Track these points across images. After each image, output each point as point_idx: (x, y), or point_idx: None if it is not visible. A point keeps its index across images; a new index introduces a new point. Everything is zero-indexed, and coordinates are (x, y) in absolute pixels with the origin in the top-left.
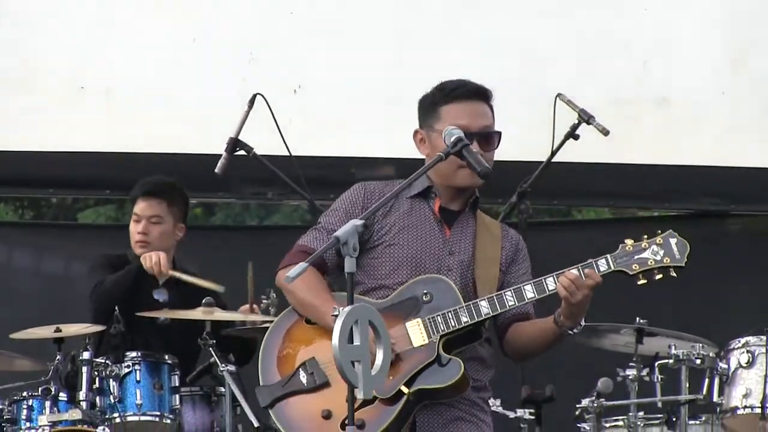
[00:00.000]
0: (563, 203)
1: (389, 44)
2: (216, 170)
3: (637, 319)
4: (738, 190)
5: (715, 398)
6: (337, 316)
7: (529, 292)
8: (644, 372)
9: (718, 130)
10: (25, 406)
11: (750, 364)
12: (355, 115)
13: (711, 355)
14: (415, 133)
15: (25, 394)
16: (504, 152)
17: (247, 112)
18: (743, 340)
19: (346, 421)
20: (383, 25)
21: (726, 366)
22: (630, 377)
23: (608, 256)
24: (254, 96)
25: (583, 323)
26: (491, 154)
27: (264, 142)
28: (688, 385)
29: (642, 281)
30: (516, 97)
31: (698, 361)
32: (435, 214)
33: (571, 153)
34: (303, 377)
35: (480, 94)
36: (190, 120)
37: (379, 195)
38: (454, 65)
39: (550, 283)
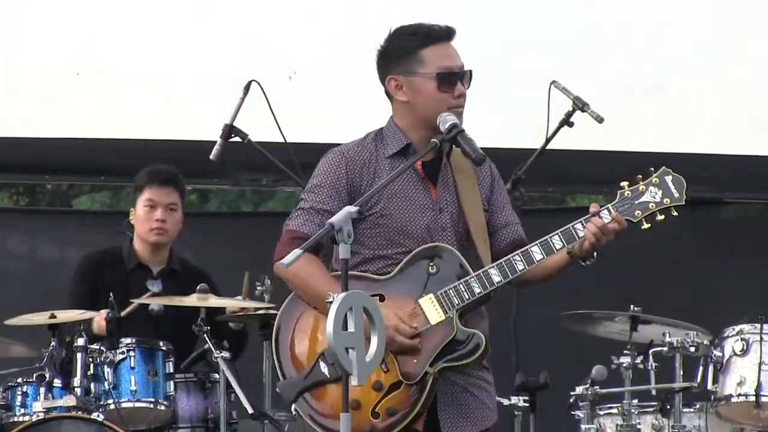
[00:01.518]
0: (557, 190)
1: (384, 29)
2: (211, 157)
3: (632, 306)
4: (731, 177)
5: (710, 386)
6: (331, 302)
7: (537, 254)
8: (638, 359)
9: (711, 118)
10: (19, 393)
11: (744, 351)
12: (350, 101)
13: (705, 342)
14: (390, 80)
15: (19, 380)
16: (498, 139)
17: (242, 99)
18: (737, 328)
19: (377, 408)
20: (378, 10)
21: (720, 354)
22: (624, 365)
23: (609, 206)
24: (249, 82)
25: (596, 255)
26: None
27: (259, 129)
28: (682, 373)
29: (646, 225)
30: (510, 83)
31: (692, 349)
32: (419, 172)
33: (565, 140)
34: (324, 368)
35: (452, 34)
36: (185, 106)
37: (360, 162)
38: None
39: (557, 242)
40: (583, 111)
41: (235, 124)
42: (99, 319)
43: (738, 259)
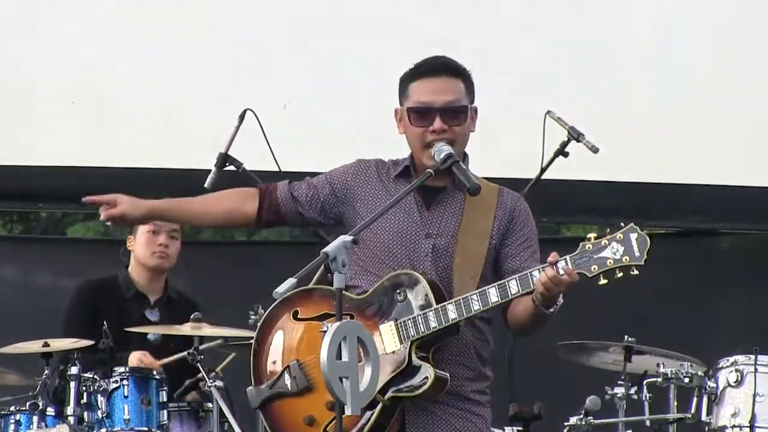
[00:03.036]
0: (552, 221)
1: (379, 60)
2: (205, 185)
3: (626, 337)
4: (727, 208)
5: (704, 417)
6: (325, 332)
7: (493, 296)
8: (632, 390)
9: (706, 149)
10: (12, 421)
11: (738, 383)
12: (344, 130)
13: (699, 373)
14: (395, 112)
15: (12, 408)
16: (493, 169)
17: (237, 128)
18: (732, 359)
19: (328, 428)
20: (373, 41)
21: (714, 385)
22: (618, 395)
23: (567, 257)
24: (244, 111)
25: (561, 302)
26: (462, 128)
27: (253, 158)
28: (676, 404)
29: (603, 281)
30: (505, 114)
31: (687, 380)
32: (414, 194)
33: (560, 170)
34: (287, 380)
35: (448, 69)
36: (180, 135)
37: (367, 175)
38: None
39: (513, 286)
40: (578, 141)
41: (229, 152)
42: (142, 357)
43: (733, 290)
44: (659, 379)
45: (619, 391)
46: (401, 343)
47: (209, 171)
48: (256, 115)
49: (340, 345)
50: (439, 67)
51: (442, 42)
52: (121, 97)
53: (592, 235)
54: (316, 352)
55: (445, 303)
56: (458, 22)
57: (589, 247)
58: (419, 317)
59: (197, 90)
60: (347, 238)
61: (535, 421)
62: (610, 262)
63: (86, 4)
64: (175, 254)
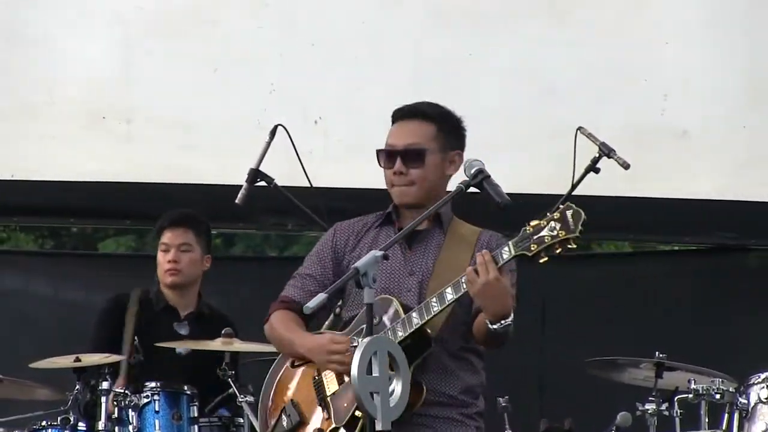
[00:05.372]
0: (583, 236)
1: (408, 75)
2: (236, 201)
3: (657, 353)
4: (757, 224)
5: None
6: (356, 347)
7: (449, 294)
8: (663, 406)
9: (737, 164)
10: None
11: None
12: (375, 146)
13: (731, 390)
14: None
15: (44, 423)
16: (525, 185)
17: (268, 143)
18: (763, 375)
19: None
20: (402, 56)
21: (746, 401)
22: (649, 411)
23: (509, 242)
24: (275, 127)
25: (506, 322)
26: (422, 171)
27: (284, 173)
28: (707, 420)
29: (543, 259)
30: (536, 130)
31: (718, 396)
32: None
33: (591, 186)
34: (284, 421)
35: (420, 114)
36: (211, 151)
37: (348, 231)
38: (472, 96)
39: (464, 282)
40: (609, 157)
41: (260, 168)
42: None
43: (763, 306)
44: (690, 396)
45: (650, 407)
46: None
47: (240, 186)
48: (287, 131)
49: (370, 360)
50: (411, 111)
51: (470, 58)
52: (152, 112)
53: (533, 221)
54: (309, 391)
55: (410, 312)
56: (489, 33)
57: (529, 230)
58: (389, 330)
59: (228, 106)
60: (378, 253)
61: None
62: (547, 239)
63: (115, 21)
64: (189, 266)
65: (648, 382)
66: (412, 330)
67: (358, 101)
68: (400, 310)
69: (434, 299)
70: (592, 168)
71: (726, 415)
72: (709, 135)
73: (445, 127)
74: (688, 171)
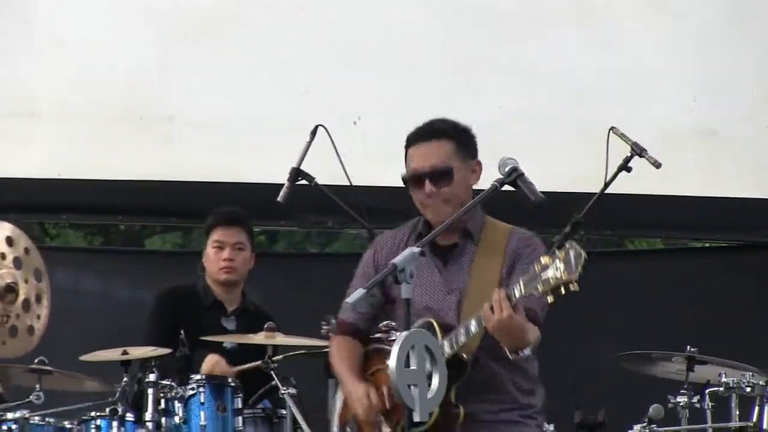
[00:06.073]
0: (616, 234)
1: (441, 77)
2: (278, 199)
3: (688, 347)
4: None
5: (765, 426)
6: (394, 341)
7: (473, 327)
8: (695, 399)
9: (765, 163)
10: (93, 426)
11: None
12: None
13: (761, 383)
14: None
15: (93, 414)
16: (558, 184)
17: (309, 143)
18: None
19: None
20: (435, 59)
21: None
22: (681, 404)
23: (520, 280)
24: (316, 127)
25: (522, 353)
26: (451, 189)
27: (325, 172)
28: (738, 413)
29: (550, 299)
30: (570, 130)
31: (748, 389)
32: (433, 257)
33: (623, 185)
34: None
35: (435, 134)
36: (254, 150)
37: (387, 248)
38: (506, 97)
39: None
40: (641, 156)
41: (301, 167)
42: (218, 359)
43: None
44: (721, 389)
45: (682, 400)
46: None
47: (282, 185)
48: (327, 131)
49: (408, 354)
50: (428, 133)
51: (506, 57)
52: (196, 114)
53: (543, 258)
54: None
55: (443, 340)
56: (522, 36)
57: (537, 269)
58: None
59: (270, 107)
60: (416, 249)
61: (599, 429)
62: (552, 281)
63: (156, 26)
64: (243, 265)
65: (680, 375)
66: (446, 359)
67: (394, 102)
68: (438, 333)
69: (462, 331)
70: (624, 167)
71: (756, 408)
72: (737, 135)
73: (462, 140)
74: (717, 170)
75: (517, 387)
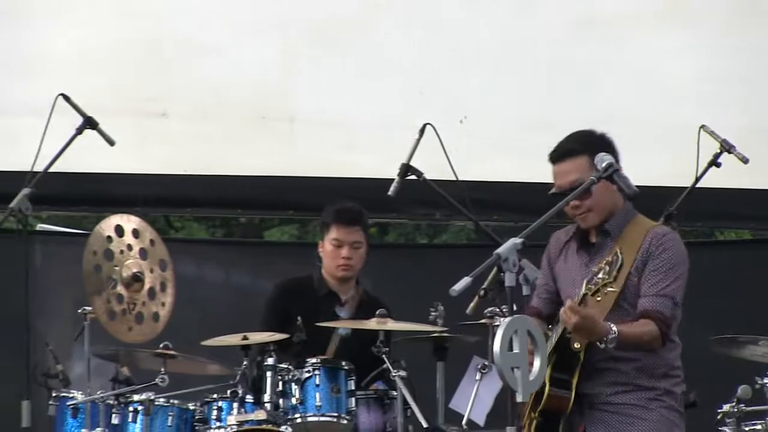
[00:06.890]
0: (706, 225)
1: (543, 78)
2: (389, 193)
3: None
4: None
5: None
6: (498, 326)
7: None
8: None
9: None
10: (215, 407)
11: None
12: (514, 143)
13: None
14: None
15: (215, 396)
16: (654, 178)
17: (418, 140)
18: None
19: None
20: (538, 60)
21: None
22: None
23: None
24: (424, 125)
25: (607, 339)
26: (591, 200)
27: (433, 168)
28: None
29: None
30: (664, 129)
31: None
32: (580, 254)
33: (713, 179)
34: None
35: (563, 155)
36: (366, 147)
37: (557, 242)
38: (605, 98)
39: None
40: (729, 153)
41: (411, 163)
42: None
43: None
44: None
45: None
46: None
47: (393, 180)
48: (435, 129)
49: (511, 338)
50: (562, 153)
51: (601, 62)
52: (314, 114)
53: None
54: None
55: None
56: (622, 40)
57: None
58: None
59: (383, 106)
60: (517, 240)
61: (691, 408)
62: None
63: (278, 30)
64: (359, 262)
65: (766, 358)
66: (549, 351)
67: (498, 102)
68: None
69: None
70: (714, 162)
71: None
72: None
73: (595, 151)
74: None
75: (638, 369)
